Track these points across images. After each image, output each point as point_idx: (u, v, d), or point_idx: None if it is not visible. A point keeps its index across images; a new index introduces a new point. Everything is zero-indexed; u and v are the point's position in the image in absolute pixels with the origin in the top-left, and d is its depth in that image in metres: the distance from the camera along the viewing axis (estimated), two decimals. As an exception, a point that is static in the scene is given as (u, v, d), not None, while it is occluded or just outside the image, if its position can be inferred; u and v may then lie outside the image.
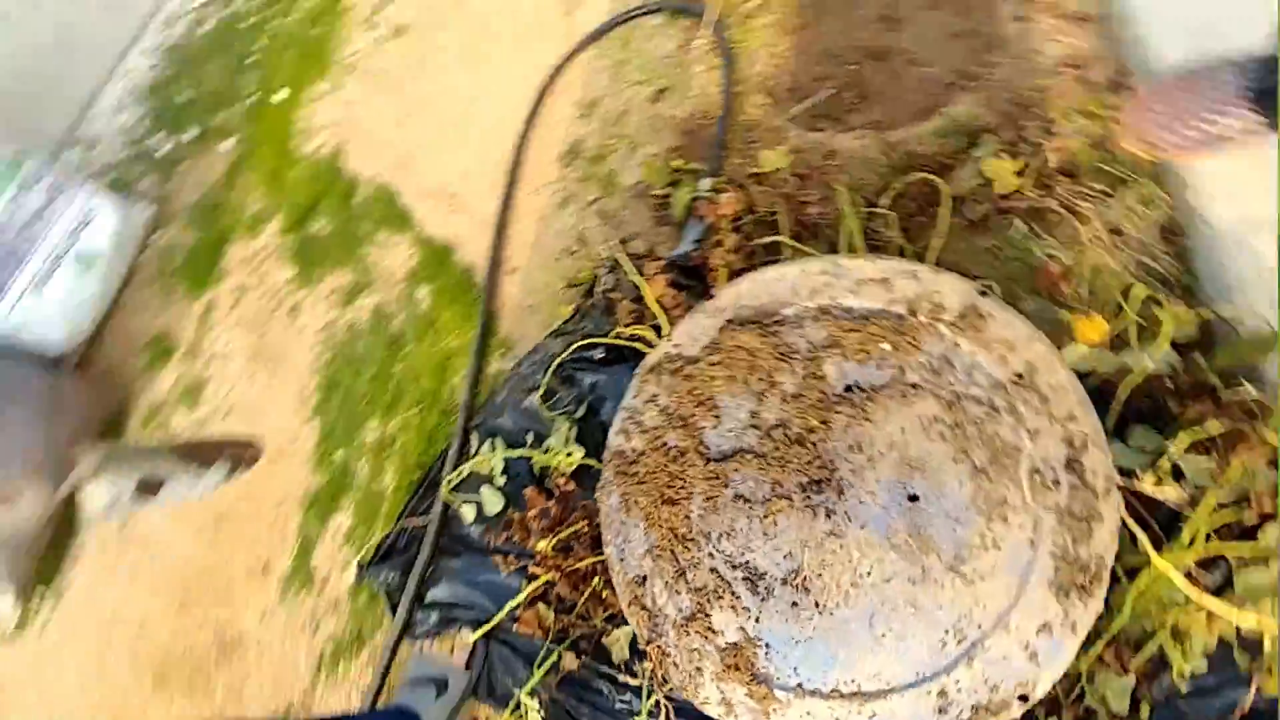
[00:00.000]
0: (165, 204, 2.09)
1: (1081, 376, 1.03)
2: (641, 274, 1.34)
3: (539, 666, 1.16)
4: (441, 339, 1.56)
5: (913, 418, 0.80)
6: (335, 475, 1.52)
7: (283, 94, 2.13)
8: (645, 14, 1.71)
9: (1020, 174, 1.23)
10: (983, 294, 0.83)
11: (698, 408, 0.92)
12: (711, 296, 0.98)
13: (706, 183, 1.43)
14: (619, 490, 0.95)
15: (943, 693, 0.70)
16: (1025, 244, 1.20)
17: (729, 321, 0.94)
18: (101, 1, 2.43)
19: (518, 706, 1.16)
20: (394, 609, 1.33)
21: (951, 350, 0.81)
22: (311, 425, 1.58)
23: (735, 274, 1.34)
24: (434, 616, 1.31)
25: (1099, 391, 1.02)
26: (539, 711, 1.15)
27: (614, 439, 0.98)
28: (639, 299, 1.32)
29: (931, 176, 1.26)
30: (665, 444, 0.93)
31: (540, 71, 1.74)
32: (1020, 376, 0.77)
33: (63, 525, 1.68)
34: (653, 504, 0.91)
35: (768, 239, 1.30)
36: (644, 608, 0.89)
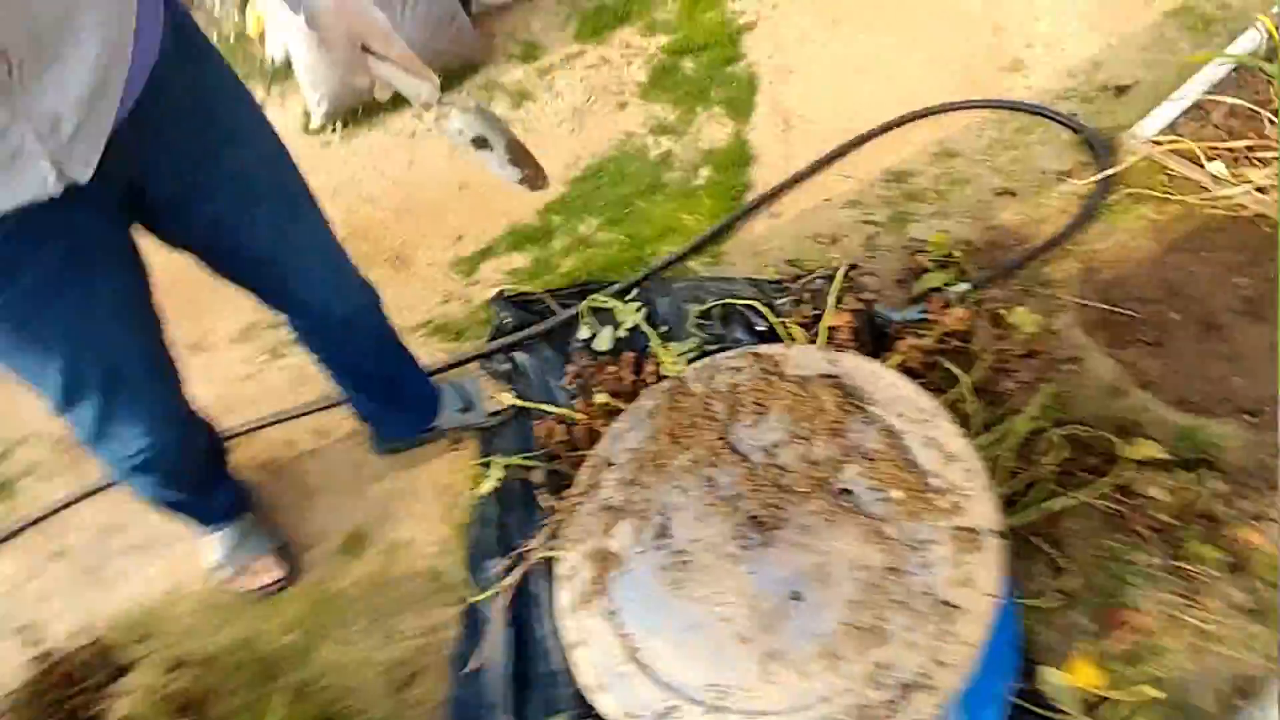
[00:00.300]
0: (613, -40, 2.35)
1: (1047, 703, 1.02)
2: (840, 302, 1.42)
3: (521, 455, 1.43)
4: (683, 212, 1.76)
5: (857, 552, 0.88)
6: (541, 229, 1.83)
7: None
8: (1060, 123, 1.65)
9: (1194, 523, 1.14)
10: (1001, 536, 0.86)
11: (752, 404, 1.05)
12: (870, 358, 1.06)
13: (961, 289, 1.43)
14: (657, 402, 1.13)
15: (666, 712, 0.83)
16: (1136, 576, 1.14)
17: (832, 377, 1.04)
18: None
19: (489, 465, 1.44)
20: (492, 339, 1.65)
21: (933, 542, 0.86)
22: (558, 187, 1.88)
23: (905, 369, 1.37)
24: (505, 366, 1.62)
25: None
26: (498, 480, 1.42)
27: (689, 371, 1.14)
28: (820, 317, 1.41)
29: (1128, 456, 1.19)
30: (709, 405, 1.08)
31: (943, 94, 1.75)
32: (948, 605, 0.82)
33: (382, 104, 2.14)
34: (666, 429, 1.08)
35: (955, 369, 1.31)
36: (594, 477, 1.09)
